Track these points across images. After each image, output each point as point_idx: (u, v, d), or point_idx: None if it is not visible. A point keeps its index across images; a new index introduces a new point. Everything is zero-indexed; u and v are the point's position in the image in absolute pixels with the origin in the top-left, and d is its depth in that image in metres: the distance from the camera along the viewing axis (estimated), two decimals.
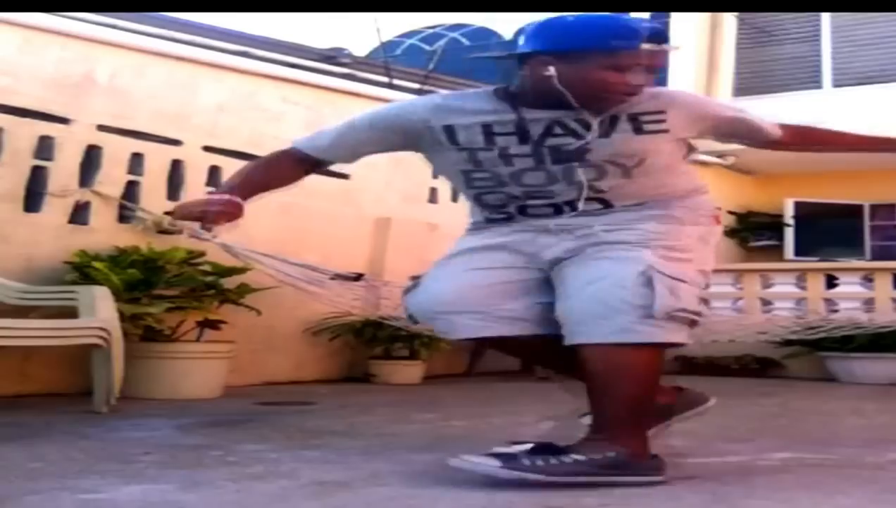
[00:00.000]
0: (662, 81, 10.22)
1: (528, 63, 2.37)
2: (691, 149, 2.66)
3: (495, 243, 2.57)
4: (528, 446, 2.33)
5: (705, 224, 2.59)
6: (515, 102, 2.44)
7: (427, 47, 11.74)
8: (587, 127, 2.40)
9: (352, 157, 2.72)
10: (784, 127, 2.73)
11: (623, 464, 2.26)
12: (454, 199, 6.91)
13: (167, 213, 5.30)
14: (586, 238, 2.47)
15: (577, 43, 2.34)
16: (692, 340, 2.46)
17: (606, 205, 2.49)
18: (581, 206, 2.48)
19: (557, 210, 2.51)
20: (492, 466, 2.24)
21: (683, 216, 2.52)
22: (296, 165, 2.68)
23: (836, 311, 6.90)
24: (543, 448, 2.30)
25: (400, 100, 2.79)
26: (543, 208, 2.51)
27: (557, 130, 2.41)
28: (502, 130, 2.44)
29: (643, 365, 2.32)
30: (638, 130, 2.43)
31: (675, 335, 2.33)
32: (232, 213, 2.46)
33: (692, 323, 2.38)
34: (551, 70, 2.31)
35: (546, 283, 2.51)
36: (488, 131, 2.45)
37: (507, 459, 2.26)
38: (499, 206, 2.56)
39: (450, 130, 2.48)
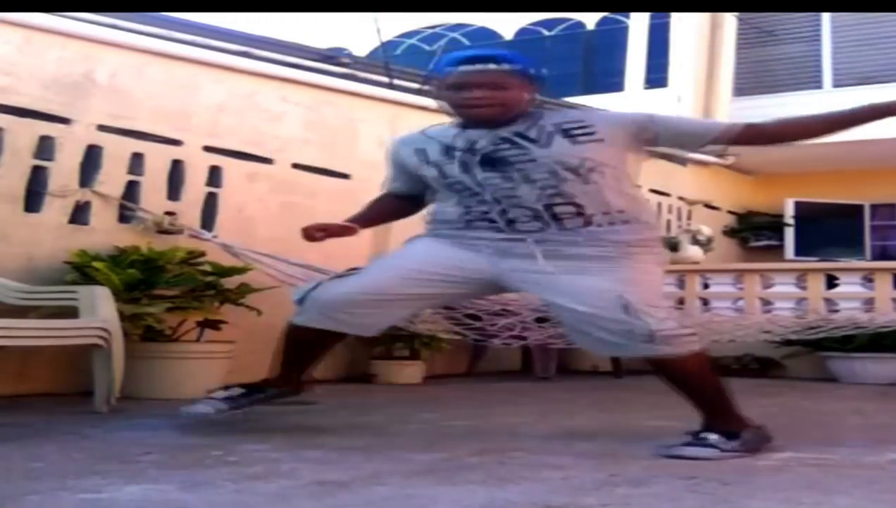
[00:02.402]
0: (662, 81, 10.24)
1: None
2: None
3: None
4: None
5: None
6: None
7: (427, 47, 11.74)
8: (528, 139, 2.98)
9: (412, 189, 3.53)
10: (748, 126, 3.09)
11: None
12: None
13: (168, 213, 5.32)
14: None
15: (437, 75, 3.09)
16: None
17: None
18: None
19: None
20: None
21: None
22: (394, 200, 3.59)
23: (836, 311, 6.89)
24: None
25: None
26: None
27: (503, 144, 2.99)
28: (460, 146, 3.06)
29: None
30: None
31: None
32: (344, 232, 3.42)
33: None
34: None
35: None
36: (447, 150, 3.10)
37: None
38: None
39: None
